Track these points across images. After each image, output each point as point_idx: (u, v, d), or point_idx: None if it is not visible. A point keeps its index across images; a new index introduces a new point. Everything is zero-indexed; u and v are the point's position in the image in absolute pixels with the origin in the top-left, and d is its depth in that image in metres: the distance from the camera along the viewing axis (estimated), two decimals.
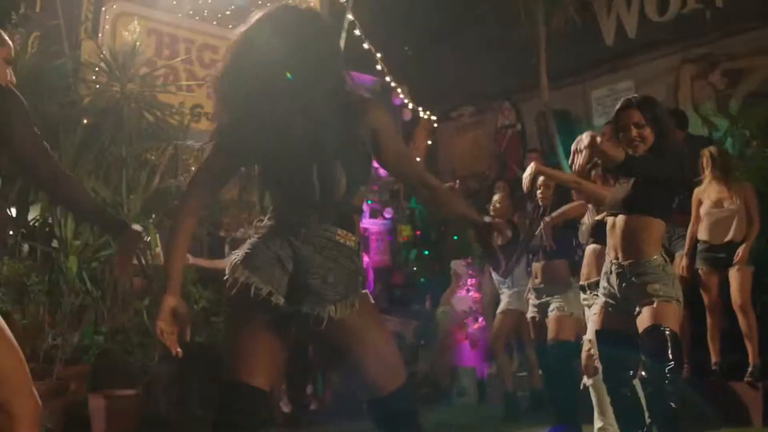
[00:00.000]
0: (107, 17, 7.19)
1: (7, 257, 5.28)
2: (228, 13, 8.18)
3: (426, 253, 10.96)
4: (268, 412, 2.40)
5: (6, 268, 5.19)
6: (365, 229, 9.98)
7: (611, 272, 3.33)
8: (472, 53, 11.26)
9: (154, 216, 6.14)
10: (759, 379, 5.16)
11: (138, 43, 6.48)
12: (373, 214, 10.96)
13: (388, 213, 11.53)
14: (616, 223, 3.33)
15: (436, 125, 12.32)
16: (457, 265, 8.00)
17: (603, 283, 3.40)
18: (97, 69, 6.53)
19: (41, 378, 5.17)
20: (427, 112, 12.08)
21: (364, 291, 2.39)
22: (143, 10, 7.52)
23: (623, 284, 3.27)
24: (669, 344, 3.06)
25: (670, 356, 3.04)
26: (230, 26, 8.20)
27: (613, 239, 3.34)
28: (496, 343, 6.25)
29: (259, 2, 8.33)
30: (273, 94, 2.23)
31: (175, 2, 7.80)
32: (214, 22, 8.08)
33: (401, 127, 12.56)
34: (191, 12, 7.91)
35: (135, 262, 5.81)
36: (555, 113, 9.16)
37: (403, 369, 2.43)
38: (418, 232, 11.41)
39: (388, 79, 11.29)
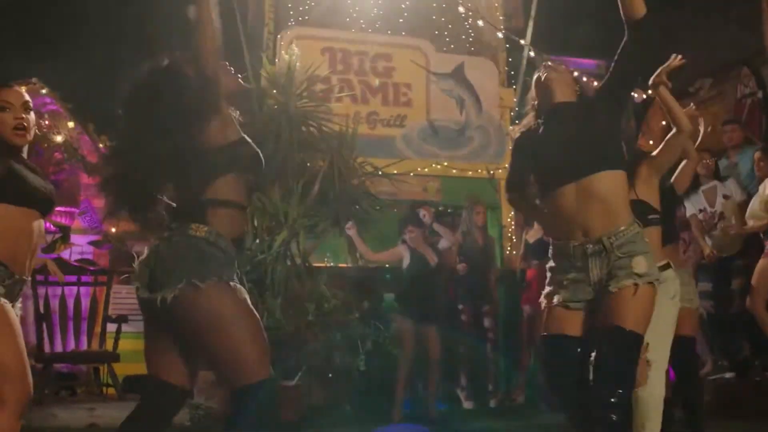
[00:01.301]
0: (282, 42, 7.89)
1: None
2: (401, 21, 8.48)
3: None
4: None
5: None
6: None
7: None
8: (701, 19, 10.33)
9: (311, 222, 6.57)
10: None
11: (298, 64, 6.98)
12: None
13: None
14: None
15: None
16: None
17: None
18: (274, 91, 7.19)
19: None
20: None
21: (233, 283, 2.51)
22: (317, 31, 8.13)
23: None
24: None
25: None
26: (403, 33, 8.52)
27: None
28: None
29: (434, 5, 8.61)
30: None
31: (348, 19, 8.30)
32: (388, 31, 8.43)
33: (632, 109, 11.87)
34: (364, 25, 8.33)
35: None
36: None
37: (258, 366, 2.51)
38: None
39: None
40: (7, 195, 2.89)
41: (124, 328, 6.77)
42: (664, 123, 11.13)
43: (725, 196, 6.46)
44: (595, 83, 4.18)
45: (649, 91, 11.77)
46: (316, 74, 7.35)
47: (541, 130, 3.00)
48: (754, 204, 5.94)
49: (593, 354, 2.65)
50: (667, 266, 3.63)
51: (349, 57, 8.14)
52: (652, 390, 3.49)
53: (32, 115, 3.05)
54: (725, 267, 6.16)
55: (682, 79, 11.40)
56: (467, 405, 6.95)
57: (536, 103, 3.11)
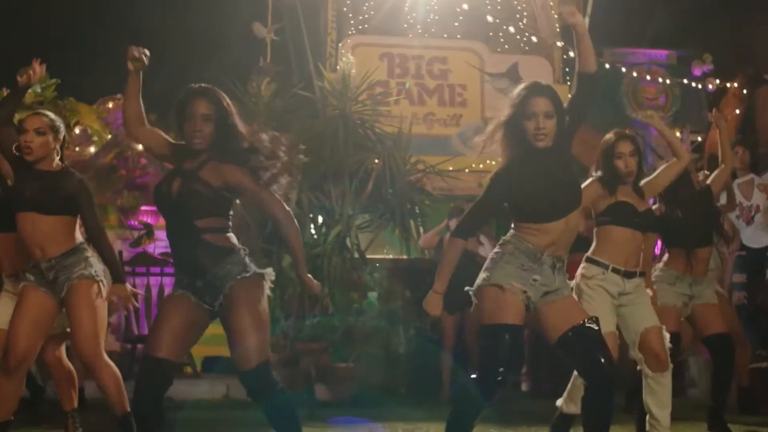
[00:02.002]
0: (343, 50, 8.48)
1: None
2: (456, 24, 8.92)
3: None
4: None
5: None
6: None
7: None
8: None
9: (365, 218, 7.16)
10: None
11: (353, 71, 7.56)
12: None
13: None
14: None
15: (745, 91, 11.32)
16: None
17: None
18: (332, 99, 7.80)
19: (278, 351, 6.59)
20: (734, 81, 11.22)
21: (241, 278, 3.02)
22: (375, 38, 8.69)
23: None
24: None
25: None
26: (458, 36, 8.95)
27: None
28: None
29: (488, 7, 8.99)
30: None
31: (406, 25, 8.81)
32: (444, 35, 8.89)
33: (705, 98, 11.86)
34: (420, 30, 8.83)
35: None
36: None
37: (263, 349, 2.97)
38: None
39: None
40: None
41: None
42: (737, 112, 11.13)
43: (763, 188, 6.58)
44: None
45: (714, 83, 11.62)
46: (374, 79, 7.93)
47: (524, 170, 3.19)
48: None
49: None
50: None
51: (406, 61, 8.67)
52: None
53: (44, 138, 3.78)
54: (759, 259, 6.33)
55: (756, 66, 11.38)
56: (525, 387, 7.40)
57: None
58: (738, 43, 11.24)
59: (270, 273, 3.11)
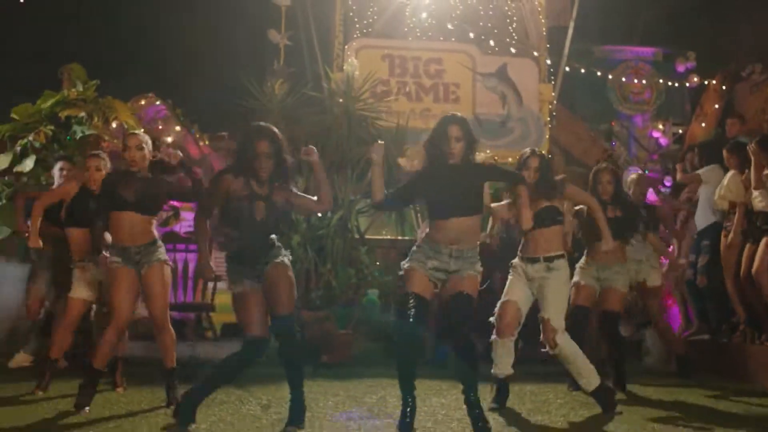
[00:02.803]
0: (349, 52, 9.43)
1: None
2: (450, 27, 9.84)
3: None
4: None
5: None
6: None
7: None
8: (756, 6, 11.02)
9: (365, 203, 8.16)
10: None
11: (356, 72, 8.53)
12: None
13: (667, 181, 11.82)
14: None
15: (724, 87, 12.11)
16: None
17: None
18: (338, 98, 8.77)
19: None
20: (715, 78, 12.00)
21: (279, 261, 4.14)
22: (377, 41, 9.63)
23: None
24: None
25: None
26: (453, 39, 9.88)
27: None
28: None
29: (481, 13, 9.88)
30: None
31: (406, 29, 9.75)
32: (441, 38, 9.82)
33: (687, 94, 12.68)
34: (419, 33, 9.77)
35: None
36: None
37: (291, 304, 4.12)
38: None
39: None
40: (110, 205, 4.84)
41: (219, 285, 8.52)
42: (717, 107, 11.94)
43: None
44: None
45: (696, 79, 12.32)
46: (376, 78, 8.90)
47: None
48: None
49: None
50: (561, 256, 4.96)
51: (405, 62, 9.61)
52: (563, 348, 4.83)
53: (142, 151, 4.85)
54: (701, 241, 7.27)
55: (735, 64, 12.16)
56: None
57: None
58: (719, 41, 12.00)
59: (290, 258, 4.27)
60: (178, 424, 4.12)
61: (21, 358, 6.68)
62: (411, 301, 4.14)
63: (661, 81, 12.48)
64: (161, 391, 5.05)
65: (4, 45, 10.36)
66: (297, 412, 4.16)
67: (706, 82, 11.87)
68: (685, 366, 6.57)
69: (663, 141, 12.39)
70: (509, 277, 5.09)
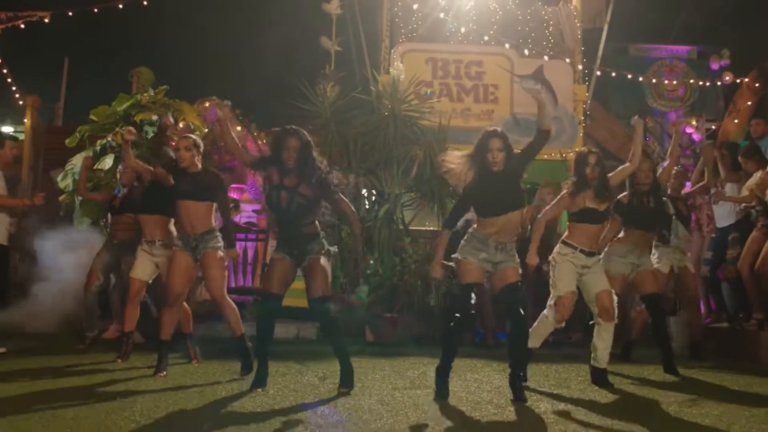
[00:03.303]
0: (395, 56, 10.11)
1: None
2: (491, 32, 10.44)
3: None
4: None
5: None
6: None
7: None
8: None
9: (410, 197, 8.86)
10: None
11: (401, 76, 9.22)
12: None
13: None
14: None
15: (757, 85, 12.44)
16: None
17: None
18: (384, 100, 9.46)
19: (338, 302, 8.38)
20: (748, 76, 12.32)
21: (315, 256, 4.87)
22: (421, 45, 10.28)
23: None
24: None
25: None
26: (492, 43, 10.48)
27: None
28: None
29: (519, 17, 10.46)
30: None
31: (447, 34, 10.39)
32: (481, 42, 10.43)
33: (721, 90, 13.06)
34: (460, 38, 10.40)
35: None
36: None
37: (325, 289, 4.83)
38: None
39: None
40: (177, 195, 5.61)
41: None
42: (749, 104, 12.30)
43: None
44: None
45: (729, 77, 12.67)
46: (421, 81, 9.57)
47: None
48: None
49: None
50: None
51: (447, 65, 10.26)
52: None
53: (190, 152, 5.62)
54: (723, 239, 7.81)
55: (761, 59, 12.49)
56: None
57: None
58: (753, 40, 12.35)
59: (335, 250, 4.98)
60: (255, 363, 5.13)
61: (114, 329, 7.69)
62: (466, 290, 4.81)
63: (691, 81, 12.86)
64: (232, 363, 5.83)
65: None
66: (346, 376, 4.96)
67: (738, 80, 12.24)
68: (697, 349, 7.15)
69: (696, 137, 12.81)
70: (558, 266, 5.46)
